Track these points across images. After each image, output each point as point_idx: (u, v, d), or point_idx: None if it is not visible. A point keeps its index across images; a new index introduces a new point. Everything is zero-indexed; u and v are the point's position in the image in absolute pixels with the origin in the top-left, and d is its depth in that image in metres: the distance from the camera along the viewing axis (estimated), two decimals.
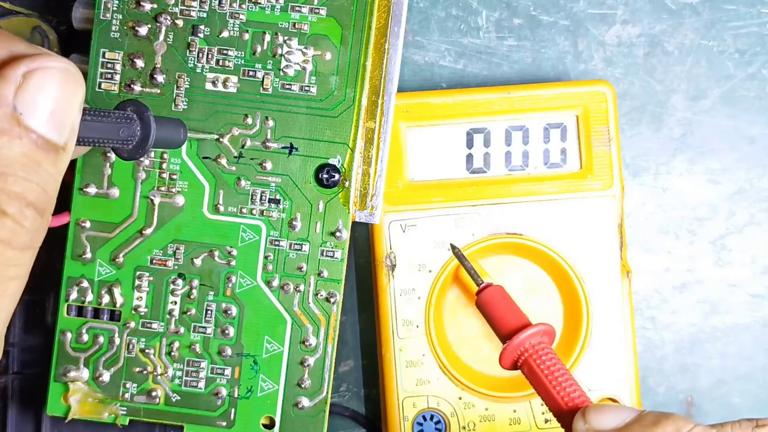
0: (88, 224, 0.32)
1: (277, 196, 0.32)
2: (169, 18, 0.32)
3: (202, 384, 0.33)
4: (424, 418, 0.35)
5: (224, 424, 0.33)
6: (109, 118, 0.24)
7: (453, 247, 0.33)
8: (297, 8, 0.32)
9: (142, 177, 0.32)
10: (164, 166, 0.32)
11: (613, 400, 0.35)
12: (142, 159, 0.32)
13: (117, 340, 0.32)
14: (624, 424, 0.26)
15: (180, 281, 0.32)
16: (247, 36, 0.32)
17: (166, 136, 0.28)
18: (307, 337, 0.32)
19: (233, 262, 0.32)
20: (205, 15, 0.32)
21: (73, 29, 0.33)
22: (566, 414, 0.28)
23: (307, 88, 0.32)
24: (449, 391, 0.35)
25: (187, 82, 0.32)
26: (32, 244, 0.21)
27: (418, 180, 0.35)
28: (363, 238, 0.37)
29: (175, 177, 0.32)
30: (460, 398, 0.35)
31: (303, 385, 0.33)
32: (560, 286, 0.35)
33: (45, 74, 0.20)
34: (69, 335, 0.32)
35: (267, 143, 0.32)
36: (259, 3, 0.32)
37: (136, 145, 0.26)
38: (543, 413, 0.35)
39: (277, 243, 0.32)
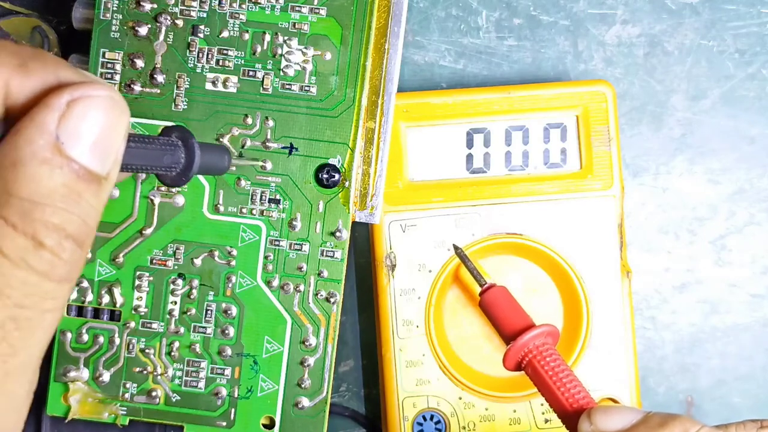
0: None
1: (277, 196, 0.32)
2: (169, 18, 0.32)
3: (202, 384, 0.33)
4: (424, 418, 0.35)
5: (224, 424, 0.33)
6: (154, 144, 0.24)
7: (455, 247, 0.33)
8: (297, 8, 0.32)
9: (142, 177, 0.32)
10: None
11: (613, 400, 0.35)
12: None
13: (117, 340, 0.32)
14: (630, 425, 0.26)
15: (180, 281, 0.32)
16: (247, 36, 0.32)
17: (210, 162, 0.28)
18: (307, 337, 0.32)
19: (233, 262, 0.32)
20: (205, 15, 0.32)
21: (73, 29, 0.33)
22: (571, 415, 0.27)
23: (307, 88, 0.32)
24: (449, 391, 0.35)
25: (187, 82, 0.32)
26: (70, 276, 0.20)
27: (418, 180, 0.35)
28: (363, 238, 0.37)
29: None
30: (460, 398, 0.35)
31: (303, 385, 0.33)
32: (560, 286, 0.35)
33: (90, 103, 0.20)
34: (69, 335, 0.32)
35: (267, 143, 0.32)
36: (259, 3, 0.32)
37: (180, 173, 0.25)
38: (543, 413, 0.35)
39: (277, 243, 0.32)
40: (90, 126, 0.20)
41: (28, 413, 0.20)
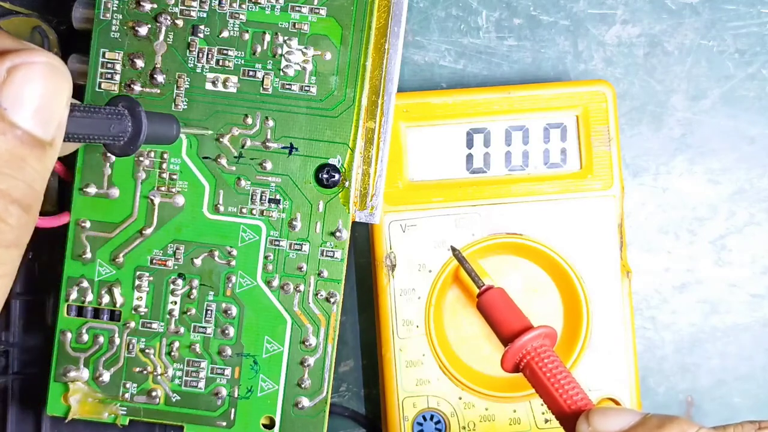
0: (88, 224, 0.32)
1: (277, 196, 0.32)
2: (169, 18, 0.32)
3: (202, 384, 0.33)
4: (424, 418, 0.35)
5: (224, 424, 0.33)
6: (100, 113, 0.24)
7: (453, 249, 0.33)
8: (297, 8, 0.32)
9: (142, 177, 0.32)
10: (164, 166, 0.32)
11: (613, 400, 0.35)
12: (141, 159, 0.32)
13: (117, 340, 0.32)
14: (628, 427, 0.25)
15: (180, 281, 0.32)
16: (247, 36, 0.32)
17: (159, 131, 0.28)
18: (307, 337, 0.32)
19: (233, 262, 0.32)
20: (205, 15, 0.32)
21: (73, 29, 0.33)
22: (569, 417, 0.27)
23: (307, 88, 0.32)
24: (449, 391, 0.35)
25: (187, 82, 0.32)
26: (18, 241, 0.20)
27: (418, 180, 0.35)
28: (363, 238, 0.37)
29: (175, 177, 0.32)
30: (460, 398, 0.35)
31: (303, 385, 0.33)
32: (560, 286, 0.35)
33: (30, 69, 0.20)
34: (69, 335, 0.32)
35: (267, 143, 0.32)
36: (259, 3, 0.32)
37: (127, 141, 0.25)
38: (543, 413, 0.35)
39: (277, 243, 0.32)
40: (32, 92, 0.20)
41: (25, 412, 0.20)
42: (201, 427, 0.33)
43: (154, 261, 0.32)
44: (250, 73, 0.32)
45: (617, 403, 0.35)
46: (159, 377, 0.33)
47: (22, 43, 0.21)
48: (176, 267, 0.32)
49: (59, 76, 0.21)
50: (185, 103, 0.32)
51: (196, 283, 0.32)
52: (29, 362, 0.35)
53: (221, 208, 0.32)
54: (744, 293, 0.39)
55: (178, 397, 0.33)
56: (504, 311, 0.31)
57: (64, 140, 0.22)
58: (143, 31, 0.32)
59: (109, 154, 0.32)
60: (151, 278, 0.32)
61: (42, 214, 0.31)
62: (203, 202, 0.32)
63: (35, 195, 0.20)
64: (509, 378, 0.35)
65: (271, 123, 0.32)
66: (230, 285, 0.32)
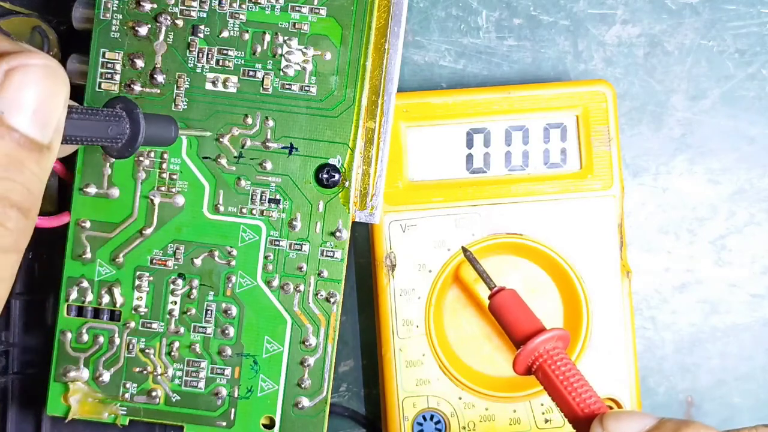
0: (88, 224, 0.32)
1: (277, 196, 0.32)
2: (169, 18, 0.32)
3: (202, 384, 0.33)
4: (424, 418, 0.35)
5: (224, 424, 0.33)
6: (98, 116, 0.24)
7: (464, 250, 0.33)
8: (297, 8, 0.32)
9: (142, 177, 0.32)
10: (164, 166, 0.32)
11: (614, 401, 0.35)
12: (141, 159, 0.32)
13: (117, 340, 0.32)
14: (644, 431, 0.25)
15: (180, 281, 0.32)
16: (247, 36, 0.32)
17: (157, 133, 0.28)
18: (307, 337, 0.32)
19: (233, 262, 0.32)
20: (205, 15, 0.32)
21: (73, 29, 0.33)
22: (582, 421, 0.27)
23: (307, 88, 0.32)
24: (449, 391, 0.35)
25: (187, 82, 0.32)
26: (17, 246, 0.20)
27: (418, 180, 0.35)
28: (363, 238, 0.37)
29: (175, 177, 0.32)
30: (460, 398, 0.35)
31: (303, 385, 0.33)
32: (560, 286, 0.35)
33: (27, 72, 0.20)
34: (69, 335, 0.32)
35: (267, 143, 0.32)
36: (259, 3, 0.32)
37: (125, 143, 0.25)
38: (543, 413, 0.35)
39: (277, 243, 0.32)
40: (29, 95, 0.20)
41: (25, 412, 0.20)
42: (201, 427, 0.33)
43: (154, 261, 0.32)
44: (250, 73, 0.32)
45: (617, 403, 0.35)
46: (159, 377, 0.33)
47: (20, 45, 0.21)
48: (176, 267, 0.32)
49: (57, 78, 0.21)
50: (185, 103, 0.32)
51: (196, 283, 0.32)
52: (29, 362, 0.35)
53: (221, 208, 0.32)
54: (744, 293, 0.39)
55: (178, 397, 0.33)
56: (516, 313, 0.31)
57: (61, 143, 0.22)
58: (143, 31, 0.32)
59: None
60: (151, 278, 0.32)
61: (42, 214, 0.31)
62: (203, 202, 0.32)
63: (34, 198, 0.20)
64: (509, 378, 0.35)
65: (271, 123, 0.32)
66: (230, 285, 0.32)
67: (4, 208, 0.19)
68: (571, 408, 0.28)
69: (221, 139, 0.32)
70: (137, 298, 0.32)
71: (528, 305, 0.31)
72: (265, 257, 0.32)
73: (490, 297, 0.31)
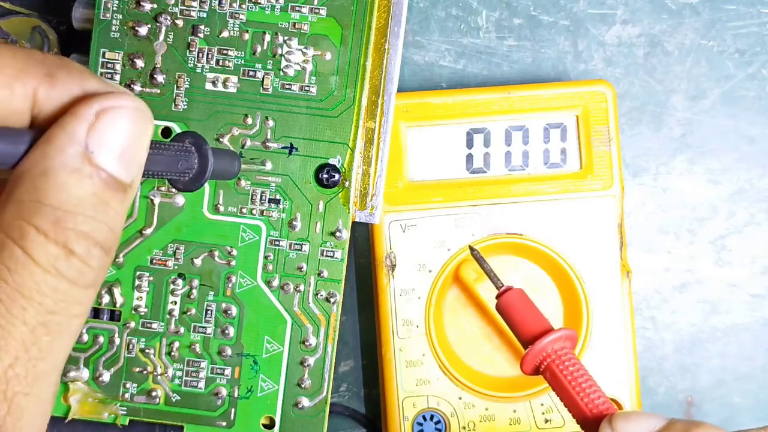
0: None
1: (277, 196, 0.32)
2: (169, 18, 0.32)
3: (202, 384, 0.33)
4: (424, 418, 0.35)
5: (224, 424, 0.33)
6: (169, 151, 0.24)
7: (472, 249, 0.33)
8: (297, 8, 0.32)
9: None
10: None
11: (614, 400, 0.35)
12: None
13: (117, 340, 0.33)
14: None
15: (180, 281, 0.32)
16: (247, 36, 0.32)
17: (222, 168, 0.28)
18: (307, 337, 0.32)
19: (233, 262, 0.32)
20: (205, 15, 0.32)
21: (73, 29, 0.33)
22: (591, 422, 0.27)
23: (307, 88, 0.32)
24: (449, 391, 0.35)
25: (187, 82, 0.32)
26: (96, 282, 0.21)
27: (418, 180, 0.35)
28: (363, 238, 0.37)
29: None
30: (460, 398, 0.35)
31: (303, 385, 0.33)
32: (560, 286, 0.35)
33: (118, 113, 0.20)
34: None
35: (267, 143, 0.32)
36: (259, 3, 0.32)
37: (192, 178, 0.25)
38: (543, 413, 0.35)
39: (277, 243, 0.32)
40: (118, 136, 0.20)
41: None
42: (201, 427, 0.33)
43: (154, 261, 0.32)
44: (250, 73, 0.32)
45: (617, 403, 0.35)
46: (159, 377, 0.33)
47: (110, 86, 0.21)
48: (176, 267, 0.32)
49: (145, 120, 0.21)
50: (185, 103, 0.32)
51: (196, 283, 0.32)
52: None
53: (221, 208, 0.32)
54: (744, 293, 0.39)
55: (178, 397, 0.33)
56: (524, 312, 0.30)
57: None
58: (143, 31, 0.32)
59: None
60: (151, 278, 0.32)
61: None
62: (203, 202, 0.32)
63: (115, 237, 0.21)
64: (509, 378, 0.35)
65: (271, 123, 0.32)
66: (230, 285, 0.32)
67: (88, 247, 0.20)
68: (580, 408, 0.28)
69: (221, 139, 0.32)
70: (137, 298, 0.32)
71: (535, 305, 0.31)
72: (265, 257, 0.32)
73: (498, 296, 0.31)
